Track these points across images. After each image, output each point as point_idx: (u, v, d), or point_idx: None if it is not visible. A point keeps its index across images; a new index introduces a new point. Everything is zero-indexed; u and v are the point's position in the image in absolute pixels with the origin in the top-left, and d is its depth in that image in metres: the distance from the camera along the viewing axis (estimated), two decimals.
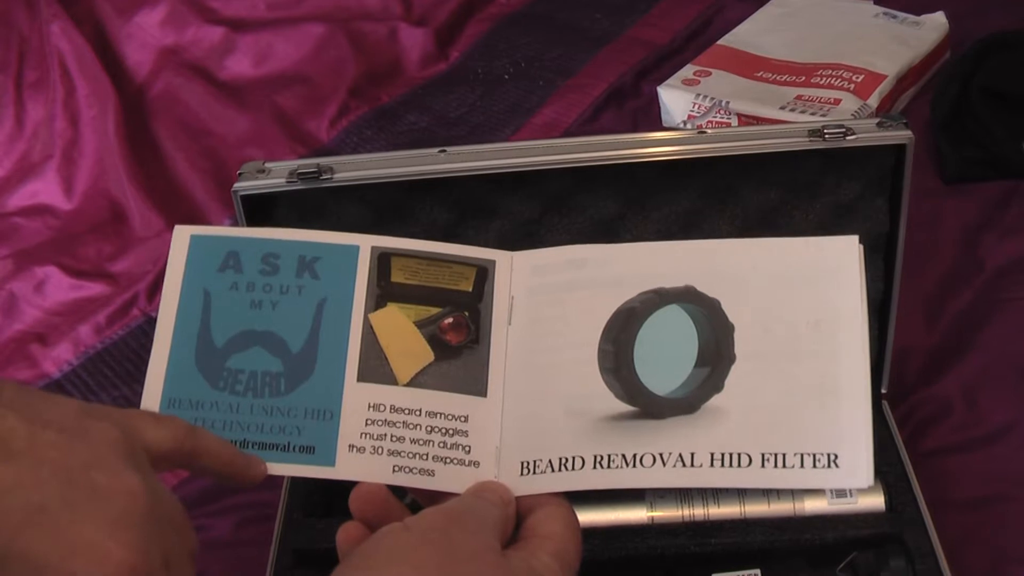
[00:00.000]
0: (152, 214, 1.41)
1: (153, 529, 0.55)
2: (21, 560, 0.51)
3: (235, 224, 0.89)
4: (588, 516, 0.90)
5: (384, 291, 0.73)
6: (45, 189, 1.48)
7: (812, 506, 0.89)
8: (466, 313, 0.73)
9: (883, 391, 0.98)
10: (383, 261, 0.74)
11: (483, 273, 0.74)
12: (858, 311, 0.68)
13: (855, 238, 0.70)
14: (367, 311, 0.73)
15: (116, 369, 1.23)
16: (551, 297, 0.73)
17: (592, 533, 0.89)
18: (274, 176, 0.87)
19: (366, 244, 0.74)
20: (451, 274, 0.74)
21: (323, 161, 0.87)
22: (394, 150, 1.43)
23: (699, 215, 0.92)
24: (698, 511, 0.89)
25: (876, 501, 0.89)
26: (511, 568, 0.61)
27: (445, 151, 0.87)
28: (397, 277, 0.74)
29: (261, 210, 0.89)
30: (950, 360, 1.08)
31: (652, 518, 0.89)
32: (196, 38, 1.64)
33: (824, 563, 0.87)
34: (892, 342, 0.96)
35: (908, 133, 0.85)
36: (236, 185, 0.86)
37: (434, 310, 0.73)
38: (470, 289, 0.74)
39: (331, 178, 0.86)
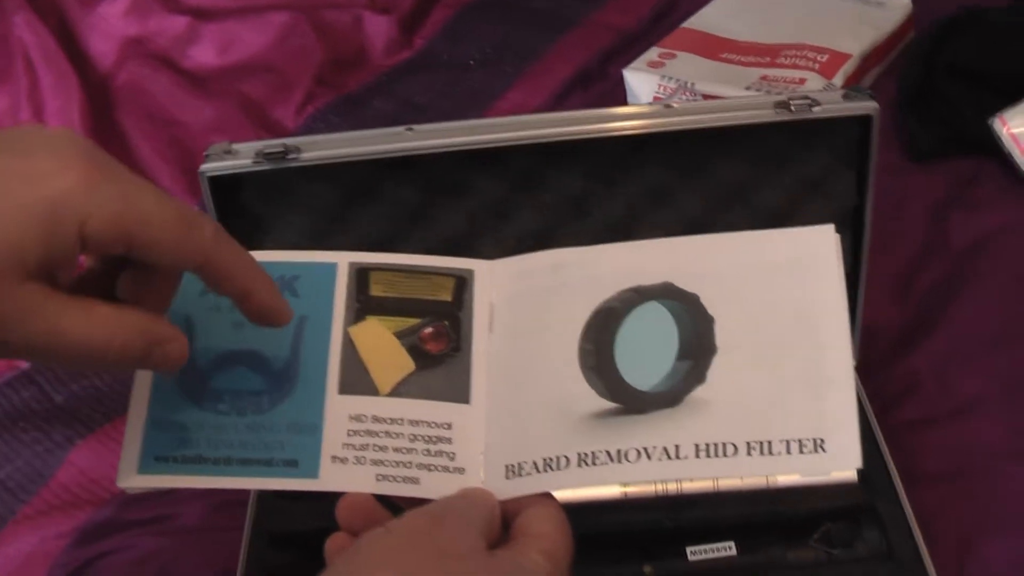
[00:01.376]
0: None
1: (97, 152, 0.58)
2: None
3: (202, 208, 0.89)
4: (562, 493, 0.90)
5: (363, 305, 0.73)
6: None
7: (785, 479, 0.89)
8: (446, 322, 0.73)
9: (853, 364, 0.98)
10: (361, 276, 0.74)
11: (462, 282, 0.74)
12: (838, 297, 0.68)
13: (831, 227, 0.69)
14: (347, 325, 0.73)
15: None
16: (531, 302, 0.73)
17: (565, 509, 0.89)
18: (241, 157, 0.86)
19: (344, 260, 0.74)
20: (430, 285, 0.74)
21: (290, 141, 0.86)
22: None
23: (668, 189, 0.92)
24: (671, 485, 0.89)
25: (849, 473, 0.89)
26: (499, 567, 0.60)
27: (412, 129, 0.87)
28: (376, 291, 0.74)
29: (229, 192, 0.88)
30: (919, 336, 1.09)
31: (626, 493, 0.90)
32: (160, 28, 1.63)
33: (798, 535, 0.87)
34: (861, 316, 0.96)
35: (874, 104, 0.86)
36: (203, 166, 0.86)
37: (414, 321, 0.73)
38: (450, 299, 0.74)
39: (298, 157, 0.86)
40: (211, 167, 0.86)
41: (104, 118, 1.51)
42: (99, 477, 1.07)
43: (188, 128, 1.52)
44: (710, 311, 0.69)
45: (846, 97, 0.86)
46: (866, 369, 1.01)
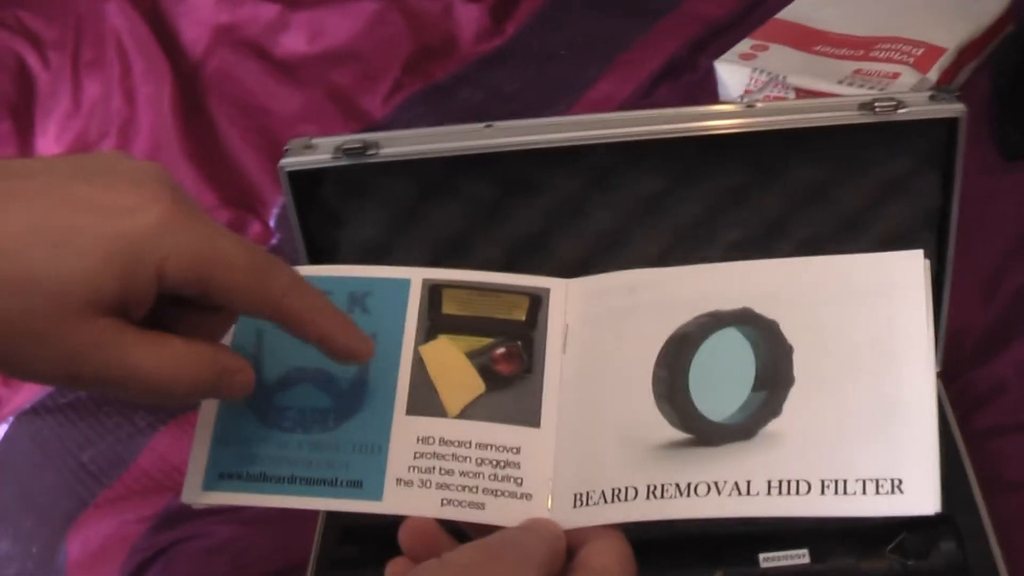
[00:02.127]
0: (206, 191, 1.41)
1: (173, 186, 0.58)
2: (77, 235, 0.54)
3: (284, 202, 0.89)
4: None
5: (435, 323, 0.72)
6: None
7: None
8: (519, 343, 0.72)
9: (937, 370, 0.97)
10: (434, 293, 0.73)
11: (536, 302, 0.73)
12: (923, 328, 0.64)
13: (920, 253, 0.66)
14: (417, 344, 0.71)
15: None
16: (606, 324, 0.71)
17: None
18: (320, 152, 0.87)
19: (417, 277, 0.73)
20: (504, 303, 0.72)
21: (369, 136, 0.87)
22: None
23: (745, 191, 0.91)
24: None
25: None
26: None
27: (491, 126, 0.86)
28: (448, 308, 0.72)
29: (308, 186, 0.89)
30: (1006, 338, 1.06)
31: None
32: (251, 15, 1.65)
33: (873, 544, 0.85)
34: (946, 320, 0.94)
35: (961, 106, 0.83)
36: (283, 161, 0.87)
37: (486, 340, 0.72)
38: (523, 318, 0.72)
39: (376, 153, 0.86)
40: (290, 162, 0.86)
41: (194, 105, 1.53)
42: (179, 463, 1.08)
43: (276, 116, 1.53)
44: (789, 339, 0.66)
45: (933, 99, 0.84)
46: (949, 373, 0.99)
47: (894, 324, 0.65)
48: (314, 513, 0.93)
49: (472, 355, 0.72)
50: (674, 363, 0.68)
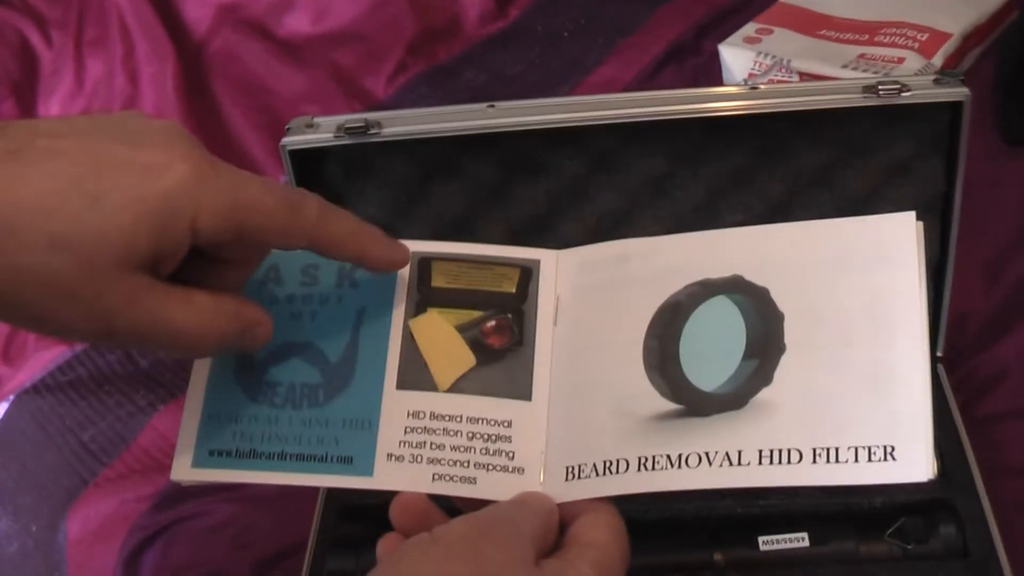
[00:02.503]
0: None
1: (197, 144, 0.59)
2: (111, 193, 0.55)
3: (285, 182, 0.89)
4: None
5: (424, 296, 0.72)
6: None
7: None
8: (509, 315, 0.71)
9: (939, 355, 0.96)
10: (423, 266, 0.72)
11: (527, 273, 0.72)
12: (916, 292, 0.64)
13: (912, 215, 0.65)
14: (407, 317, 0.71)
15: None
16: (597, 295, 0.71)
17: (635, 494, 0.89)
18: (322, 131, 0.86)
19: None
20: (494, 276, 0.72)
21: (371, 116, 0.86)
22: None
23: (750, 173, 0.90)
24: None
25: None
26: None
27: (494, 106, 0.86)
28: (438, 281, 0.72)
29: (310, 166, 0.88)
30: (1008, 324, 1.06)
31: None
32: None
33: (872, 528, 0.85)
34: (948, 305, 0.94)
35: (965, 90, 0.83)
36: (284, 140, 0.86)
37: (476, 313, 0.72)
38: (514, 290, 0.72)
39: (379, 133, 0.86)
40: (292, 140, 0.86)
41: (197, 85, 1.52)
42: None
43: (279, 97, 1.52)
44: (780, 306, 0.66)
45: (937, 82, 0.84)
46: (951, 358, 0.99)
47: (886, 288, 0.65)
48: (314, 492, 0.93)
49: (462, 328, 0.71)
50: (665, 333, 0.68)
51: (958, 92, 0.83)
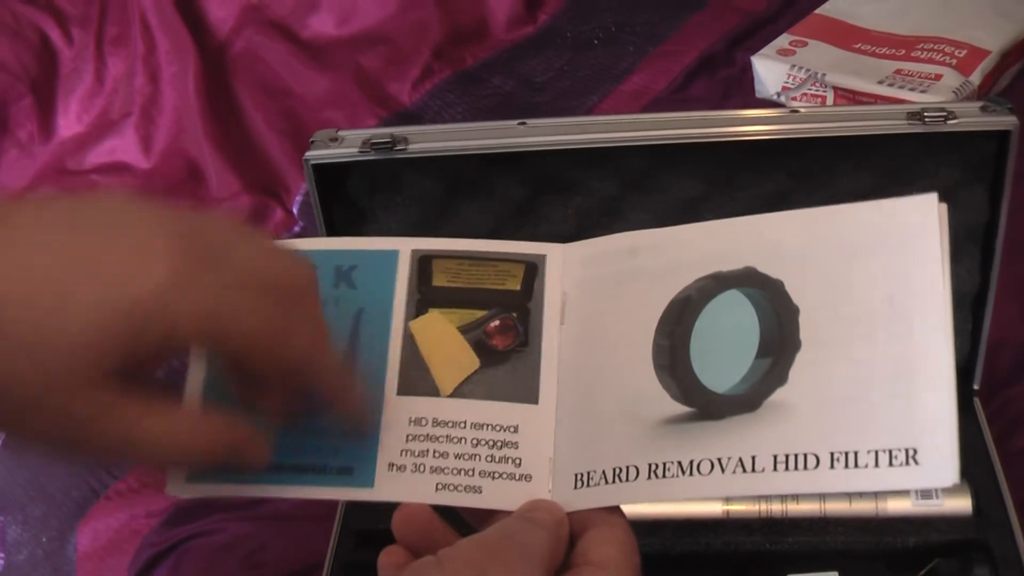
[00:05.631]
0: (229, 175, 1.39)
1: (183, 238, 0.53)
2: (82, 295, 0.49)
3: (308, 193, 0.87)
4: (662, 507, 0.87)
5: (425, 296, 0.68)
6: (123, 146, 1.47)
7: (895, 506, 0.85)
8: (514, 314, 0.67)
9: (975, 387, 0.94)
10: (424, 264, 0.69)
11: (532, 269, 0.68)
12: (938, 282, 0.58)
13: (934, 196, 0.60)
14: (407, 319, 0.68)
15: None
16: (605, 291, 0.67)
17: (663, 525, 0.87)
18: (347, 145, 0.84)
19: (406, 248, 0.69)
20: (497, 273, 0.68)
21: (397, 131, 0.84)
22: (477, 115, 1.41)
23: (787, 198, 0.88)
24: (775, 507, 0.86)
25: (963, 504, 0.85)
26: None
27: (525, 123, 0.84)
28: (439, 280, 0.68)
29: (333, 179, 0.86)
30: None
31: (728, 512, 0.86)
32: None
33: (904, 568, 0.83)
34: (987, 335, 0.91)
35: (1013, 119, 0.81)
36: (308, 154, 0.84)
37: (480, 313, 0.68)
38: (518, 288, 0.68)
39: (405, 149, 0.83)
40: (316, 155, 0.84)
41: (219, 86, 1.51)
42: None
43: (302, 100, 1.51)
44: (795, 300, 0.61)
45: (984, 109, 0.81)
46: (987, 389, 0.96)
47: (907, 278, 0.59)
48: (330, 512, 0.91)
49: (465, 329, 0.68)
50: (675, 330, 0.63)
51: (1006, 121, 0.81)
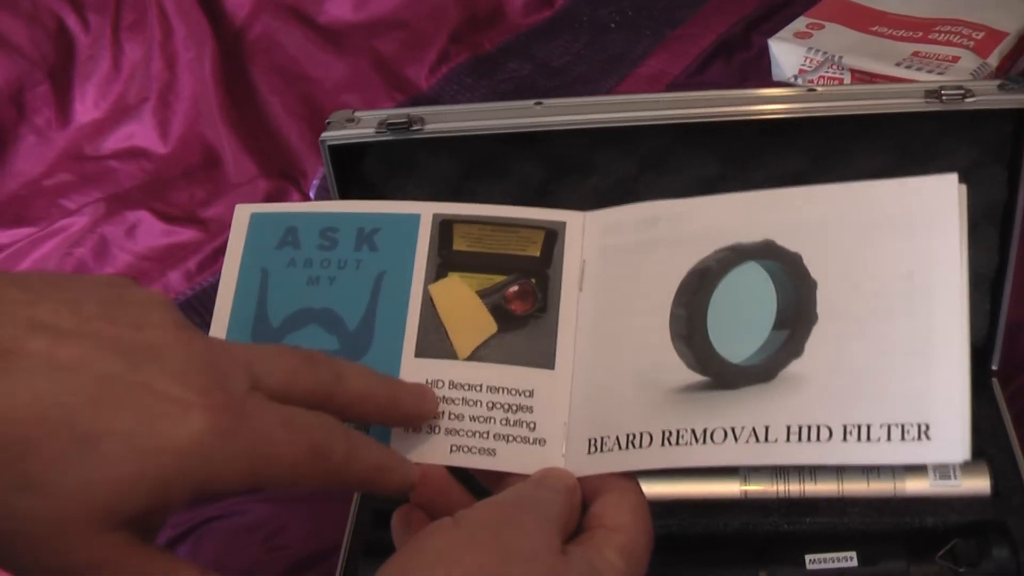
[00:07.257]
0: (246, 160, 1.39)
1: (216, 370, 0.50)
2: (108, 435, 0.46)
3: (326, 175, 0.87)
4: (679, 487, 0.87)
5: (445, 260, 0.68)
6: (140, 132, 1.47)
7: (913, 487, 0.85)
8: (533, 280, 0.68)
9: (994, 368, 0.93)
10: (445, 229, 0.69)
11: (552, 236, 0.69)
12: (956, 260, 0.59)
13: (954, 176, 0.61)
14: (427, 282, 0.68)
15: (205, 317, 1.22)
16: (624, 259, 0.67)
17: (680, 506, 0.87)
18: (363, 126, 0.84)
19: (427, 212, 0.69)
20: (518, 239, 0.69)
21: (414, 111, 0.84)
22: (494, 99, 1.41)
23: (804, 177, 0.87)
24: (794, 487, 0.86)
25: (981, 484, 0.85)
26: (570, 570, 0.55)
27: (541, 103, 0.84)
28: (459, 245, 0.69)
29: (350, 161, 0.86)
30: None
31: (745, 492, 0.86)
32: None
33: (923, 549, 0.83)
34: (1005, 316, 0.91)
35: None
36: (324, 135, 0.84)
37: (499, 278, 0.68)
38: (538, 254, 0.68)
39: (421, 129, 0.83)
40: (332, 135, 0.84)
41: (235, 71, 1.51)
42: None
43: (319, 85, 1.50)
44: (813, 274, 0.62)
45: (1002, 88, 0.81)
46: (1006, 371, 0.96)
47: (924, 255, 0.60)
48: (348, 495, 0.91)
49: (484, 294, 0.68)
50: (692, 300, 0.64)
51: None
